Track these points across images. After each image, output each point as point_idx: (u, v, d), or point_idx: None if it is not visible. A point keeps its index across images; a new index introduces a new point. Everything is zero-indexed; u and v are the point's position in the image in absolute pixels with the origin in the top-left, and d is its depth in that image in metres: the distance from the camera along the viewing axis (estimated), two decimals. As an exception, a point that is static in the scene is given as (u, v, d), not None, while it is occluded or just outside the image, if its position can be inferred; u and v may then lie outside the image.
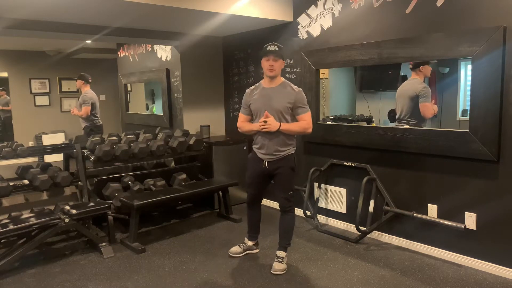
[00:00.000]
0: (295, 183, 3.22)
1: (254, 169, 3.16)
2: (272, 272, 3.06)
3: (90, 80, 5.87)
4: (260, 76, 4.75)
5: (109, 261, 3.39)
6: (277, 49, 2.96)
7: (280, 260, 3.12)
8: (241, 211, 4.39)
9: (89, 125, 5.79)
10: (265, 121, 2.93)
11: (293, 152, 3.08)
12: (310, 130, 3.04)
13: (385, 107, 4.51)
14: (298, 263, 3.24)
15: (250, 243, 3.46)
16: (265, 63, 2.99)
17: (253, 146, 3.18)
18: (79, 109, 5.80)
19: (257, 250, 3.49)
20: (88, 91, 5.81)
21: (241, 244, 3.48)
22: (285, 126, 2.96)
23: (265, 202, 4.82)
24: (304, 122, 3.00)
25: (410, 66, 3.85)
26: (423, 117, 3.71)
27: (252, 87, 3.19)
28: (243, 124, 3.20)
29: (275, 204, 4.74)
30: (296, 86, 3.06)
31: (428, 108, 3.69)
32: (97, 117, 5.91)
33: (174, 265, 3.28)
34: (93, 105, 5.77)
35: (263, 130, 2.95)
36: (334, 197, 4.07)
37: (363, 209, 3.62)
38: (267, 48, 2.97)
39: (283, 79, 3.10)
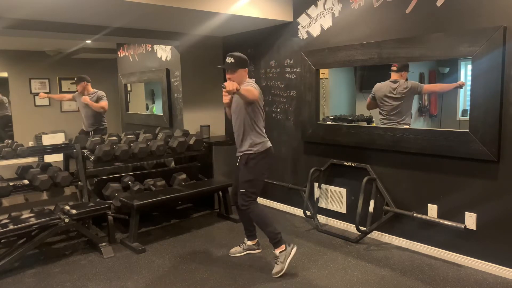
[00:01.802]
0: (256, 186, 3.13)
1: (236, 164, 3.28)
2: (272, 276, 3.04)
3: (90, 80, 5.80)
4: (261, 76, 4.75)
5: (109, 261, 3.39)
6: (233, 61, 3.01)
7: (276, 260, 3.08)
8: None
9: (97, 128, 5.58)
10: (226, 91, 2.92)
11: (251, 153, 3.07)
12: (252, 95, 2.91)
13: (385, 107, 4.50)
14: (298, 263, 3.24)
15: (250, 242, 3.46)
16: (226, 75, 3.07)
17: None
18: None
19: (259, 251, 3.48)
20: (96, 90, 5.67)
21: (242, 244, 3.49)
22: (241, 90, 2.87)
23: (264, 202, 4.83)
24: (251, 88, 2.96)
25: (394, 68, 3.84)
26: (403, 114, 3.83)
27: None
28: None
29: (275, 204, 4.76)
30: (251, 82, 3.09)
31: (429, 86, 3.88)
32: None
33: (174, 265, 3.28)
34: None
35: (224, 95, 3.01)
36: (334, 197, 4.07)
37: (363, 209, 3.62)
38: (225, 60, 3.05)
39: (247, 80, 3.11)
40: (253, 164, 3.09)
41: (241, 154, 3.14)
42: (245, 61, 3.10)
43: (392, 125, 3.76)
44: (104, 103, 5.44)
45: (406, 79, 3.86)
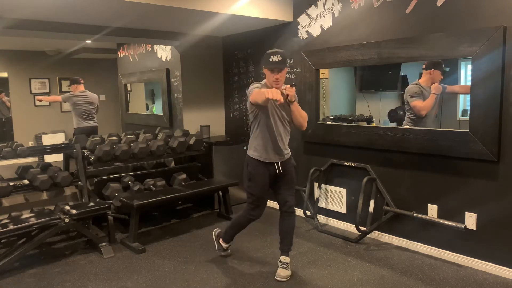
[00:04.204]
0: None
1: (265, 178, 2.97)
2: (277, 278, 2.97)
3: (81, 81, 5.81)
4: (261, 76, 4.75)
5: (109, 261, 3.39)
6: (280, 59, 2.76)
7: (285, 266, 3.02)
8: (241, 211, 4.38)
9: (80, 128, 5.69)
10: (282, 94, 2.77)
11: (291, 152, 3.12)
12: (305, 123, 2.99)
13: (385, 107, 4.51)
14: (298, 263, 3.24)
15: (226, 245, 3.38)
16: (270, 76, 2.81)
17: (255, 153, 2.97)
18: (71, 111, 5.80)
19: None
20: (83, 92, 5.76)
21: (220, 246, 3.41)
22: (297, 105, 2.88)
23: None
24: (305, 115, 2.98)
25: (423, 66, 3.75)
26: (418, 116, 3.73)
27: (258, 84, 2.95)
28: (258, 91, 2.73)
29: (274, 204, 4.74)
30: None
31: (415, 106, 3.65)
32: (91, 118, 5.85)
33: (174, 265, 3.28)
34: (76, 104, 5.70)
35: (281, 89, 2.74)
36: (334, 197, 4.07)
37: (363, 209, 3.62)
38: (270, 59, 2.77)
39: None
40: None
41: (286, 156, 3.02)
42: (287, 57, 2.88)
43: (422, 126, 3.63)
44: (51, 97, 6.00)
45: (437, 82, 3.67)
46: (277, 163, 2.97)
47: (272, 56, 2.78)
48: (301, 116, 2.93)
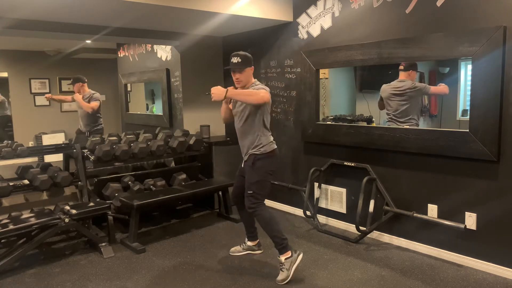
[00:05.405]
0: (264, 188, 3.06)
1: (240, 167, 3.26)
2: (277, 282, 2.93)
3: (86, 80, 5.78)
4: (261, 76, 4.75)
5: (109, 261, 3.39)
6: (240, 60, 2.93)
7: (281, 266, 2.97)
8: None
9: (92, 128, 5.53)
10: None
11: (257, 152, 3.00)
12: (257, 97, 2.81)
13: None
14: (298, 263, 3.23)
15: (250, 243, 3.46)
16: (232, 75, 3.01)
17: None
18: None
19: (260, 252, 3.47)
20: (93, 91, 5.65)
21: (242, 244, 3.48)
22: (231, 92, 2.87)
23: (267, 202, 4.82)
24: (253, 91, 2.91)
25: (401, 67, 3.82)
26: (408, 115, 3.83)
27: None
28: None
29: (275, 204, 4.76)
30: (261, 85, 3.00)
31: (440, 88, 3.92)
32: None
33: (174, 265, 3.28)
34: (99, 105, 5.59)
35: (212, 99, 2.91)
36: (334, 197, 4.07)
37: (363, 209, 3.62)
38: (231, 60, 2.97)
39: (253, 81, 3.04)
40: (260, 164, 3.00)
41: (248, 155, 3.05)
42: (251, 59, 3.00)
43: (397, 125, 3.73)
44: (94, 104, 5.40)
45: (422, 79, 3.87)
46: (243, 162, 3.17)
47: (233, 58, 2.97)
48: (245, 96, 2.87)
